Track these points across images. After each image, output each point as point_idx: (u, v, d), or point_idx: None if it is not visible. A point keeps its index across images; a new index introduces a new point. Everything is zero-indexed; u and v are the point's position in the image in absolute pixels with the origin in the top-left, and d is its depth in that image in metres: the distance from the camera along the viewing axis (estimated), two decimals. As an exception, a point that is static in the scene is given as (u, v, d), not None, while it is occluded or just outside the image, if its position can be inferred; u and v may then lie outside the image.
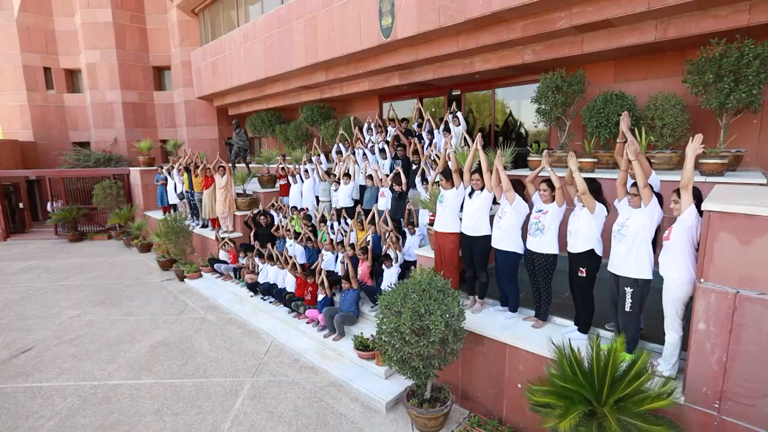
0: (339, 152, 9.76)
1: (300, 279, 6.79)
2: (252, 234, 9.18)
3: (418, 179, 7.07)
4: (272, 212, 9.34)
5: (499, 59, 8.48)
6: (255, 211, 9.20)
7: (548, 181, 4.23)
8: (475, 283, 5.01)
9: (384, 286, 6.11)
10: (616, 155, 4.03)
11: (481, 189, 4.70)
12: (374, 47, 9.17)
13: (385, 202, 7.51)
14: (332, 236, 7.55)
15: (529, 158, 7.52)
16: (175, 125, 18.00)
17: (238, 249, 8.81)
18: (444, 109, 10.05)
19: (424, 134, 8.88)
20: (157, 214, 12.90)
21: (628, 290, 3.59)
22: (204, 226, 10.54)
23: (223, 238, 9.04)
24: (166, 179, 12.22)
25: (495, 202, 4.73)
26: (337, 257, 7.21)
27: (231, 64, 13.88)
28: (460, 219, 4.92)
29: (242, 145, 12.48)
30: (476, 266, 4.86)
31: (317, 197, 9.33)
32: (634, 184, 3.58)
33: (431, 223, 5.61)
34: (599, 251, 3.93)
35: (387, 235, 6.48)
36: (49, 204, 15.32)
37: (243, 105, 15.89)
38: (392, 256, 6.10)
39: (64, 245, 13.94)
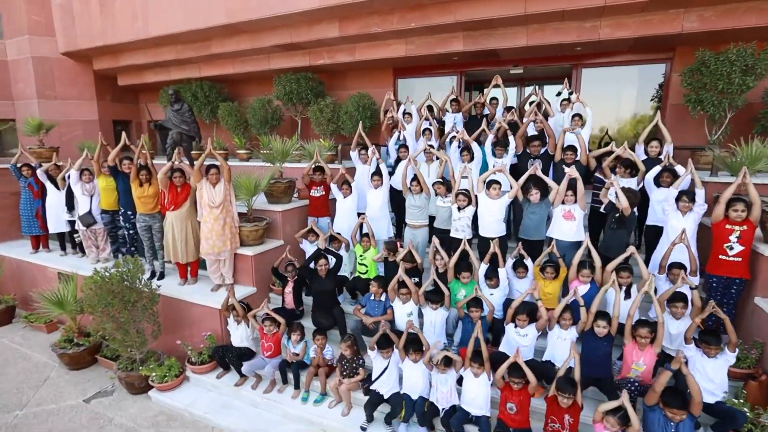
0: (404, 145, 6.24)
1: (521, 395, 3.35)
2: (288, 289, 5.06)
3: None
4: (315, 243, 5.33)
5: (639, 25, 6.33)
6: (317, 251, 4.90)
7: None
8: None
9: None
10: None
11: None
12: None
13: (575, 227, 4.56)
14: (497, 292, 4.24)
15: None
16: (11, 97, 10.97)
17: (281, 325, 4.59)
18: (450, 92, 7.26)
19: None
20: (19, 250, 7.07)
21: None
22: (157, 275, 5.71)
23: (243, 306, 4.62)
24: (38, 187, 6.68)
25: None
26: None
27: (145, -2, 8.59)
28: None
29: (187, 129, 7.75)
30: None
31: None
32: None
33: None
34: None
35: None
36: None
37: (152, 71, 10.39)
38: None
39: None
